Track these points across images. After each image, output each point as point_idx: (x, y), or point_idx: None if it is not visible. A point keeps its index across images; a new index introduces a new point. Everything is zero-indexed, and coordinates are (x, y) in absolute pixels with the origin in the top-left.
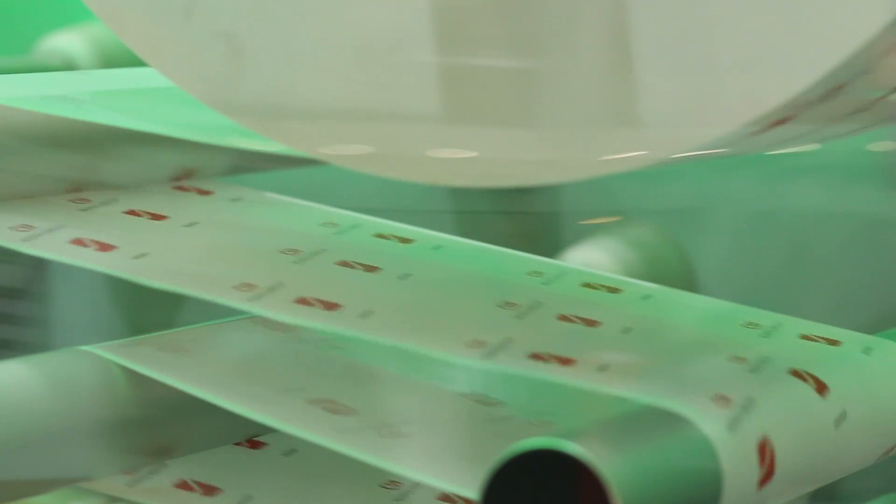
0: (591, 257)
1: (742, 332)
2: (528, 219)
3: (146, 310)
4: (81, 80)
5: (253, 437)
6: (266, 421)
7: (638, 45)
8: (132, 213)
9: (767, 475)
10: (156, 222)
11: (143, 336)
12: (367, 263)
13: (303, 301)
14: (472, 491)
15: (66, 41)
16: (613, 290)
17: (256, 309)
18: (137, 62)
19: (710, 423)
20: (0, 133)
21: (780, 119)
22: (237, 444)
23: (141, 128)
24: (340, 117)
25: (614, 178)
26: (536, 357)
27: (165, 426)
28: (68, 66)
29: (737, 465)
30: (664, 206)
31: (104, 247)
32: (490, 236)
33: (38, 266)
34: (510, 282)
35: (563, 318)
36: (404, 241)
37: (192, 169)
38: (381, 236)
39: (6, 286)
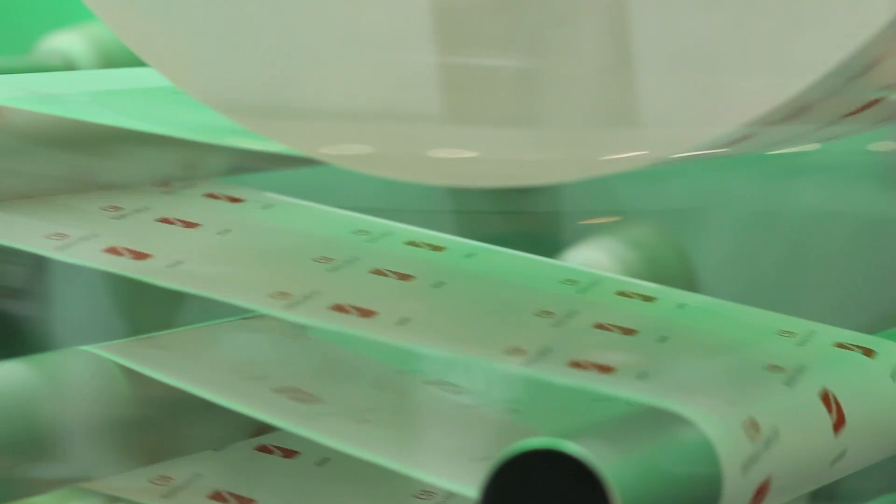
0: (592, 257)
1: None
2: (528, 219)
3: (146, 310)
4: (81, 80)
5: (264, 441)
6: (266, 420)
7: (638, 45)
8: (165, 220)
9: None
10: (189, 230)
11: (143, 336)
12: (401, 272)
13: (339, 308)
14: (466, 487)
15: (66, 41)
16: (648, 299)
17: (293, 316)
18: (137, 62)
19: (710, 423)
20: (0, 133)
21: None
22: (269, 451)
23: (141, 128)
24: (340, 117)
25: (614, 178)
26: (576, 365)
27: (165, 426)
28: (68, 66)
29: (737, 464)
30: (664, 206)
31: (139, 255)
32: (490, 236)
33: (38, 266)
34: (545, 290)
35: (600, 326)
36: (436, 248)
37: (192, 169)
38: (412, 244)
39: (6, 286)
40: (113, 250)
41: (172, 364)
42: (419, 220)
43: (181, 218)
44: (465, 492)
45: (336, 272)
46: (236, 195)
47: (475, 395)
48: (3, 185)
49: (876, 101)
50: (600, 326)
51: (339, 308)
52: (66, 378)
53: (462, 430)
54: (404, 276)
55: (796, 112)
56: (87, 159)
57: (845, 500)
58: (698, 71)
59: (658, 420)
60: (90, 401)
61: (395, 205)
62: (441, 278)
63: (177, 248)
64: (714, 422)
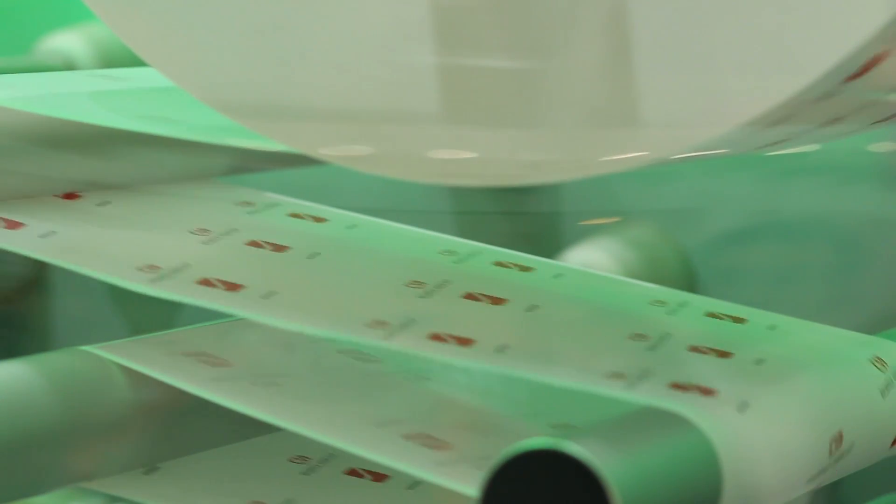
0: (591, 257)
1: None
2: (528, 219)
3: (146, 310)
4: (81, 80)
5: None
6: (267, 419)
7: (638, 46)
8: (254, 244)
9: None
10: (278, 254)
11: (143, 336)
12: (493, 295)
13: (437, 337)
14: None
15: (66, 41)
16: (525, 269)
17: (392, 346)
18: (137, 62)
19: (710, 423)
20: (0, 133)
21: (780, 118)
22: (359, 475)
23: (141, 128)
24: (340, 117)
25: (614, 178)
26: (436, 338)
27: (165, 426)
28: (68, 66)
29: (737, 465)
30: (664, 206)
31: (231, 286)
32: (490, 236)
33: (38, 266)
34: (635, 313)
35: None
36: (525, 269)
37: (193, 169)
38: (500, 264)
39: (6, 286)
40: (206, 282)
41: (172, 364)
42: (419, 221)
43: (270, 241)
44: (466, 492)
45: (429, 298)
46: (320, 215)
47: (385, 364)
48: (3, 185)
49: (876, 101)
50: (695, 349)
51: (436, 337)
52: (66, 378)
53: (367, 396)
54: (496, 300)
55: (796, 112)
56: (87, 159)
57: (845, 500)
58: (698, 71)
59: (658, 420)
60: (90, 401)
61: (395, 205)
62: (533, 301)
63: (269, 277)
64: (714, 422)
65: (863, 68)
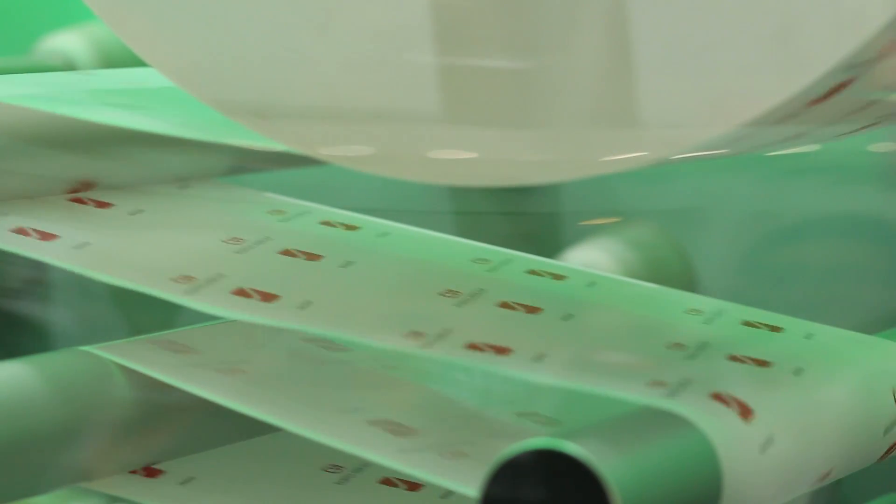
0: (591, 257)
1: (684, 317)
2: (528, 219)
3: (146, 310)
4: (81, 80)
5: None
6: (267, 419)
7: (637, 46)
8: (287, 253)
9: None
10: (312, 263)
11: (143, 336)
12: (527, 304)
13: (474, 346)
14: (466, 487)
15: (66, 41)
16: (558, 277)
17: (429, 354)
18: (137, 62)
19: (710, 423)
20: (0, 133)
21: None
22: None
23: (141, 128)
24: (340, 117)
25: (614, 178)
26: (473, 347)
27: (165, 426)
28: (68, 66)
29: (737, 464)
30: (664, 206)
31: (267, 297)
32: (490, 236)
33: (38, 266)
34: (673, 320)
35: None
36: (557, 277)
37: (193, 169)
38: (534, 273)
39: (6, 286)
40: (241, 292)
41: (172, 364)
42: (419, 221)
43: (303, 249)
44: (466, 492)
45: (464, 307)
46: (352, 223)
47: (353, 354)
48: (3, 185)
49: (876, 101)
50: (734, 358)
51: (474, 347)
52: (66, 378)
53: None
54: (531, 309)
55: (796, 112)
56: (87, 159)
57: (845, 501)
58: (698, 71)
59: (658, 420)
60: (90, 401)
61: (395, 205)
62: (568, 310)
63: (304, 286)
64: (714, 422)
65: (863, 69)
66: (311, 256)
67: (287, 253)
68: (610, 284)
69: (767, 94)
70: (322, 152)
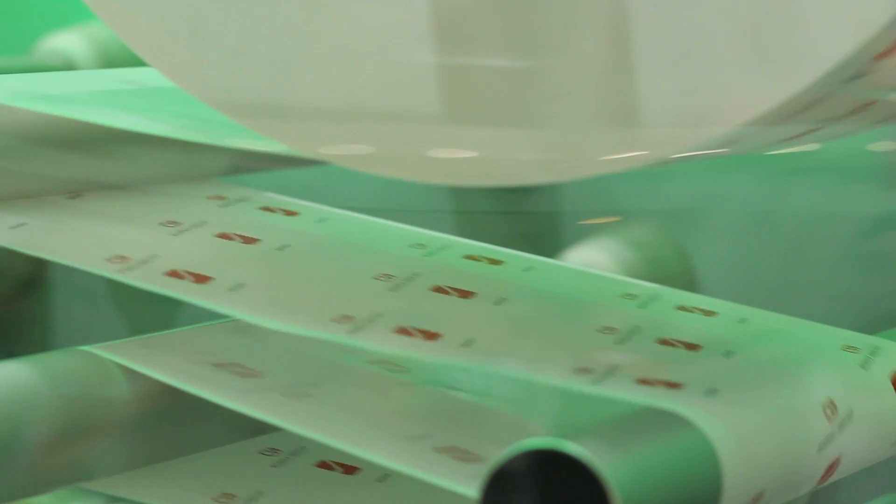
0: (591, 257)
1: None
2: (528, 219)
3: (146, 310)
4: (81, 80)
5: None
6: (267, 419)
7: (638, 45)
8: (224, 236)
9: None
10: (248, 246)
11: (143, 336)
12: (462, 288)
13: (403, 331)
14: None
15: (66, 41)
16: (495, 262)
17: (356, 341)
18: (137, 62)
19: (710, 423)
20: (0, 133)
21: (783, 117)
22: (331, 468)
23: (141, 128)
24: (340, 117)
25: (614, 178)
26: (643, 381)
27: (165, 426)
28: (68, 66)
29: (737, 464)
30: (664, 206)
31: (200, 278)
32: (490, 236)
33: (38, 266)
34: (607, 304)
35: (664, 342)
36: (495, 262)
37: (193, 169)
38: (471, 258)
39: (6, 286)
40: (174, 273)
41: (172, 364)
42: (419, 220)
43: (240, 233)
44: (466, 492)
45: (397, 291)
46: (291, 208)
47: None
48: (3, 185)
49: (876, 101)
50: (664, 342)
51: (403, 331)
52: (66, 378)
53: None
54: (465, 293)
55: (796, 112)
56: (87, 159)
57: (845, 501)
58: (698, 71)
59: (658, 420)
60: (90, 401)
61: (395, 205)
62: (502, 294)
63: (238, 269)
64: (714, 422)
65: (863, 69)
66: (248, 240)
67: (223, 236)
68: (547, 269)
69: (767, 94)
70: (322, 152)
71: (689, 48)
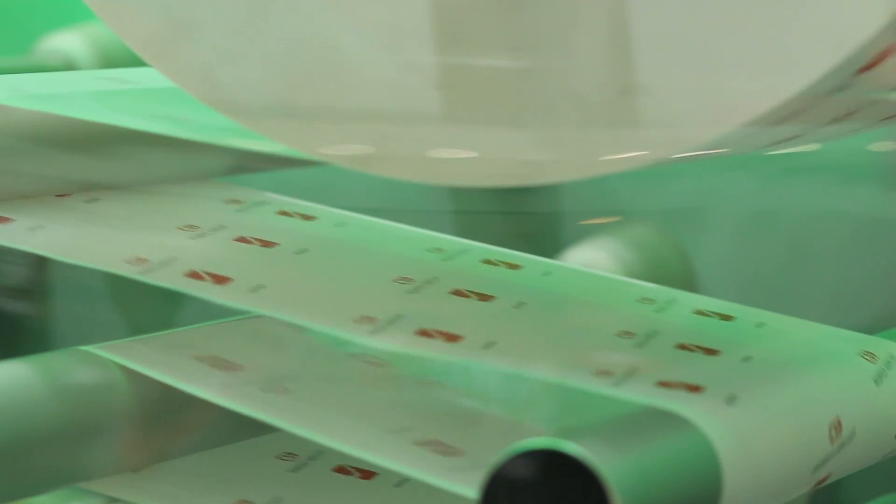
0: (591, 257)
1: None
2: (528, 219)
3: (146, 310)
4: (81, 80)
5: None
6: (267, 420)
7: (638, 45)
8: (242, 240)
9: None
10: (266, 249)
11: (143, 336)
12: (481, 292)
13: (424, 333)
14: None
15: (66, 41)
16: (513, 267)
17: (378, 342)
18: (137, 62)
19: (710, 423)
20: (0, 133)
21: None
22: (347, 472)
23: (141, 128)
24: (340, 117)
25: (614, 178)
26: (664, 384)
27: (165, 426)
28: (68, 66)
29: (738, 465)
30: (664, 206)
31: (219, 279)
32: (490, 236)
33: (39, 266)
34: (623, 309)
35: (683, 346)
36: (512, 266)
37: (193, 169)
38: (489, 262)
39: (6, 286)
40: (194, 275)
41: (172, 364)
42: (419, 220)
43: (258, 237)
44: (466, 492)
45: (417, 294)
46: (308, 213)
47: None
48: (3, 185)
49: (876, 101)
50: (682, 346)
51: (424, 333)
52: (66, 378)
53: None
54: (484, 297)
55: (796, 112)
56: (87, 159)
57: (845, 501)
58: (698, 71)
59: (658, 420)
60: (90, 401)
61: (395, 205)
62: (521, 298)
63: (257, 271)
64: (714, 422)
65: (864, 68)
66: (266, 244)
67: (242, 240)
68: (565, 274)
69: (767, 94)
70: (322, 152)
71: (689, 49)
